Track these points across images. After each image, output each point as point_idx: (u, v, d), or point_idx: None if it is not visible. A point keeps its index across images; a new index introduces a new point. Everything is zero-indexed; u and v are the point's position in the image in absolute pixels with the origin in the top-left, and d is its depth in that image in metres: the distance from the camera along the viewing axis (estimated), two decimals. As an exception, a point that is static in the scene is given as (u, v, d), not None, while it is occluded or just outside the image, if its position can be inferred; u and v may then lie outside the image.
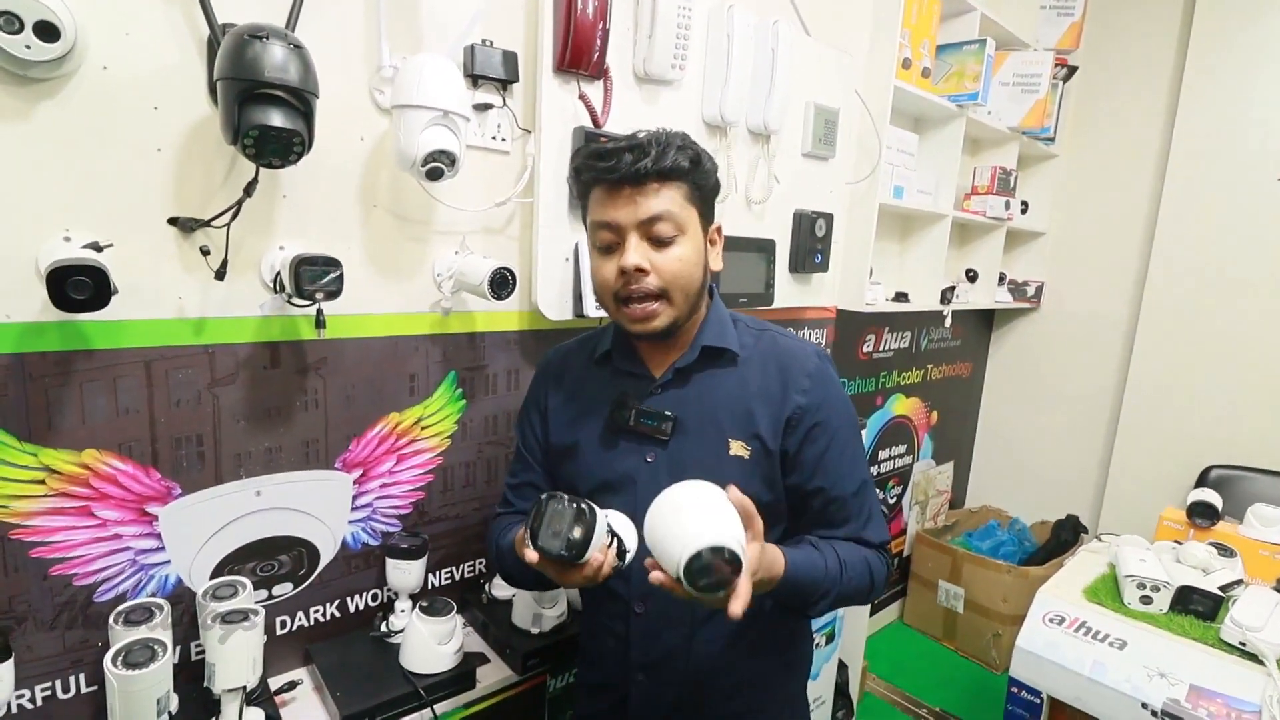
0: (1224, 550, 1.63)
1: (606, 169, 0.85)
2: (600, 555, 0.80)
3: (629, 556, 0.84)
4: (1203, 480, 2.41)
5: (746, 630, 0.96)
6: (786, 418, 0.91)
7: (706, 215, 0.92)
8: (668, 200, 0.85)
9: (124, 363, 1.00)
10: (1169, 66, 2.62)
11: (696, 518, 0.70)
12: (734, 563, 0.67)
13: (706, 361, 0.94)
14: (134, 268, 0.98)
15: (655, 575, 0.71)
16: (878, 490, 2.71)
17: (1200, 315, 2.54)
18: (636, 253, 0.85)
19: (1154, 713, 1.33)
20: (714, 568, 0.67)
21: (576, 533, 0.76)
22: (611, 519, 0.84)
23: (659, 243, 0.86)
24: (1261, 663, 1.31)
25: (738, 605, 0.68)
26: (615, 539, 0.82)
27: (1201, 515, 1.78)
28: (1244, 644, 1.34)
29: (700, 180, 0.89)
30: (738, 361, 0.95)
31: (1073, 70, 2.76)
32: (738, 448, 0.91)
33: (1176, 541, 1.73)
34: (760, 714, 1.02)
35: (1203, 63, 2.48)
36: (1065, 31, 2.68)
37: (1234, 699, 1.28)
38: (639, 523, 0.79)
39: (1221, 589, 1.48)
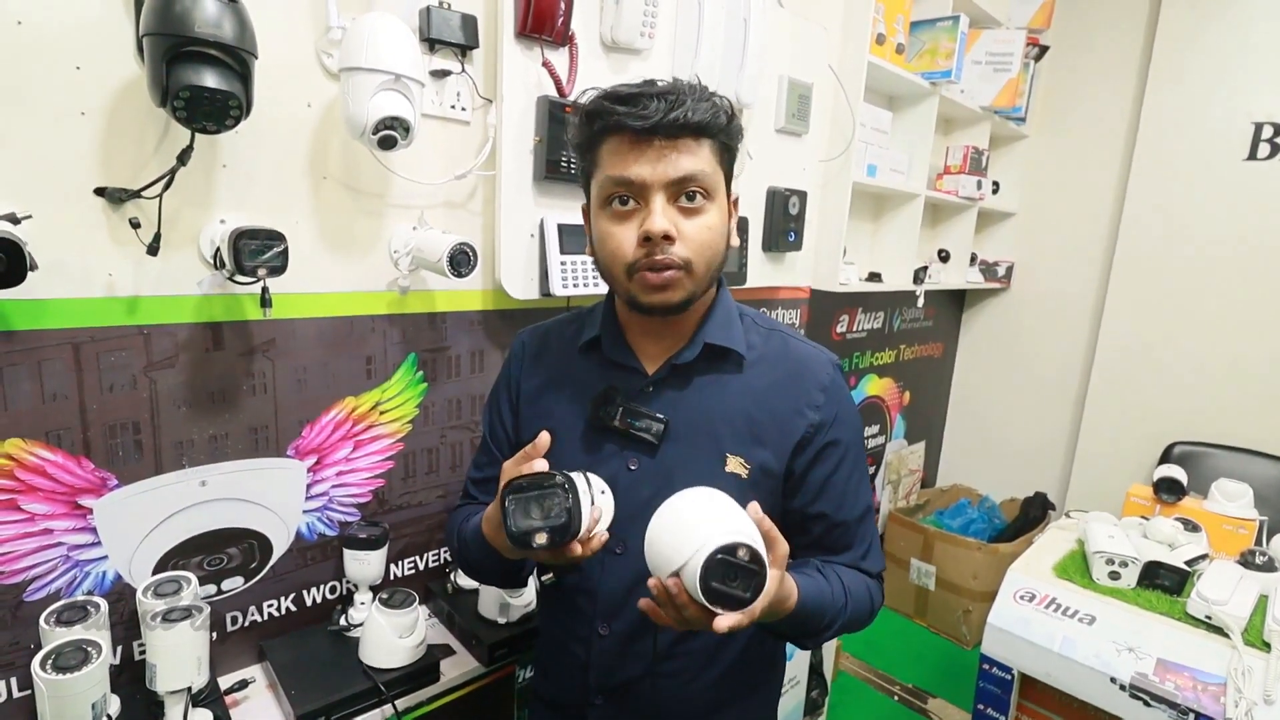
0: (1189, 525, 1.65)
1: (632, 114, 0.70)
2: (580, 547, 0.70)
3: (603, 526, 0.75)
4: (1166, 457, 2.45)
5: (720, 655, 0.88)
6: (798, 439, 0.81)
7: (729, 182, 0.81)
8: (702, 160, 0.73)
9: (49, 345, 0.92)
10: (1138, 47, 2.62)
11: (723, 515, 0.61)
12: (759, 575, 0.58)
13: (708, 361, 0.83)
14: (58, 242, 0.91)
15: (654, 582, 0.63)
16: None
17: (1166, 295, 2.57)
18: (664, 217, 0.72)
19: (1122, 686, 1.34)
20: (740, 570, 0.57)
21: (561, 526, 0.66)
22: (592, 482, 0.75)
23: (688, 208, 0.74)
24: (1227, 635, 1.32)
25: (727, 620, 0.58)
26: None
27: (1168, 491, 1.80)
28: (1209, 617, 1.35)
29: (730, 141, 0.77)
30: (743, 366, 0.83)
31: (1044, 50, 2.75)
32: (735, 464, 0.81)
33: (1143, 517, 1.74)
34: None
35: (1171, 44, 2.49)
36: (1037, 10, 2.66)
37: (1200, 672, 1.29)
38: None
39: (1187, 564, 1.49)
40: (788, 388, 0.83)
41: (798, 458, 0.82)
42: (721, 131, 0.75)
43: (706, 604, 0.58)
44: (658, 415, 0.81)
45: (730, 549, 0.57)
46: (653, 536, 0.64)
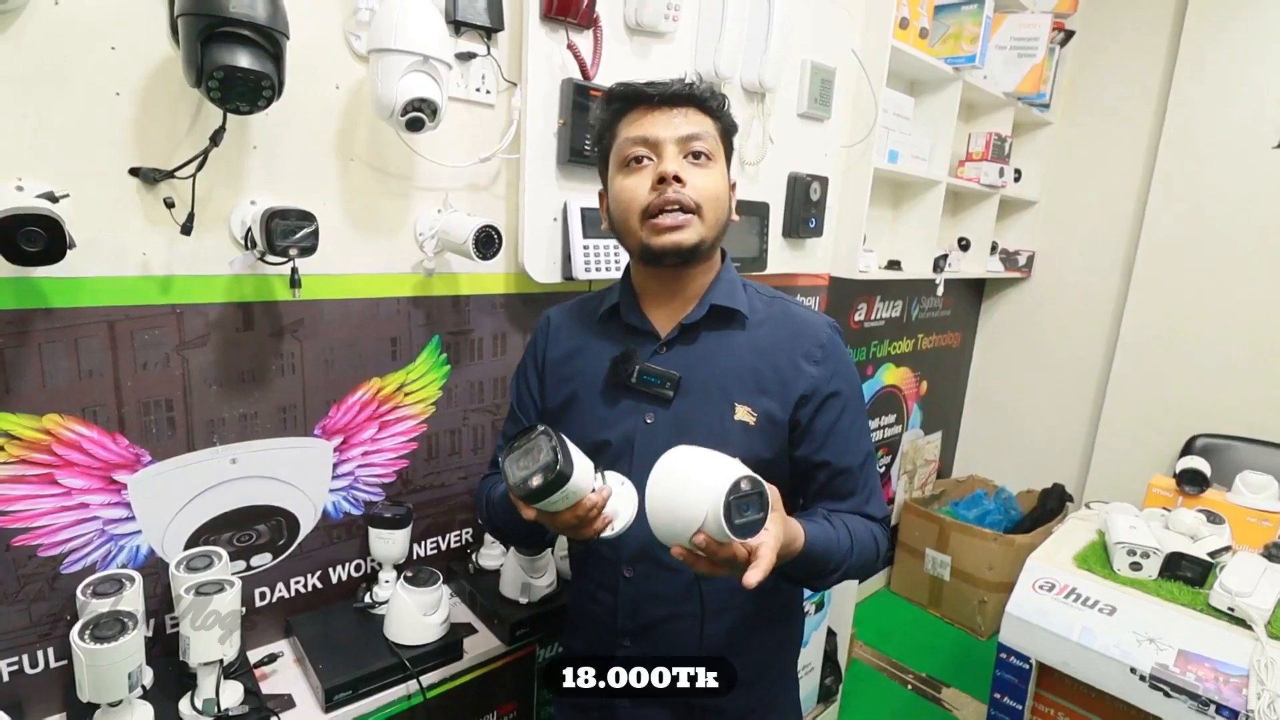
0: (1213, 517, 1.63)
1: (650, 86, 0.85)
2: (594, 497, 0.74)
3: (621, 526, 0.79)
4: (1188, 450, 2.43)
5: (739, 599, 0.94)
6: (801, 392, 0.89)
7: (728, 163, 0.92)
8: (706, 126, 0.86)
9: (85, 322, 0.94)
10: (1166, 33, 2.57)
11: (716, 462, 0.66)
12: (763, 494, 0.65)
13: (715, 322, 0.91)
14: (94, 221, 0.92)
15: (678, 551, 0.67)
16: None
17: (1190, 285, 2.53)
18: (675, 162, 0.84)
19: (1142, 677, 1.33)
20: (753, 500, 0.64)
21: (549, 463, 0.69)
22: (609, 480, 0.79)
23: (696, 162, 0.85)
24: (1249, 627, 1.31)
25: (756, 574, 0.64)
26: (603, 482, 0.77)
27: (1191, 483, 1.78)
28: (1232, 609, 1.35)
29: (728, 125, 0.90)
30: (746, 325, 0.92)
31: (1069, 35, 2.70)
32: (743, 413, 0.88)
33: (1165, 509, 1.73)
34: (751, 686, 0.98)
35: (1200, 29, 2.44)
36: (1064, -6, 2.62)
37: (1222, 663, 1.28)
38: (639, 488, 0.75)
39: (1210, 555, 1.48)
40: (788, 344, 0.91)
41: (802, 409, 0.89)
42: (718, 113, 0.89)
43: (737, 540, 0.64)
44: (671, 371, 0.89)
45: (734, 487, 0.63)
46: (657, 511, 0.67)
